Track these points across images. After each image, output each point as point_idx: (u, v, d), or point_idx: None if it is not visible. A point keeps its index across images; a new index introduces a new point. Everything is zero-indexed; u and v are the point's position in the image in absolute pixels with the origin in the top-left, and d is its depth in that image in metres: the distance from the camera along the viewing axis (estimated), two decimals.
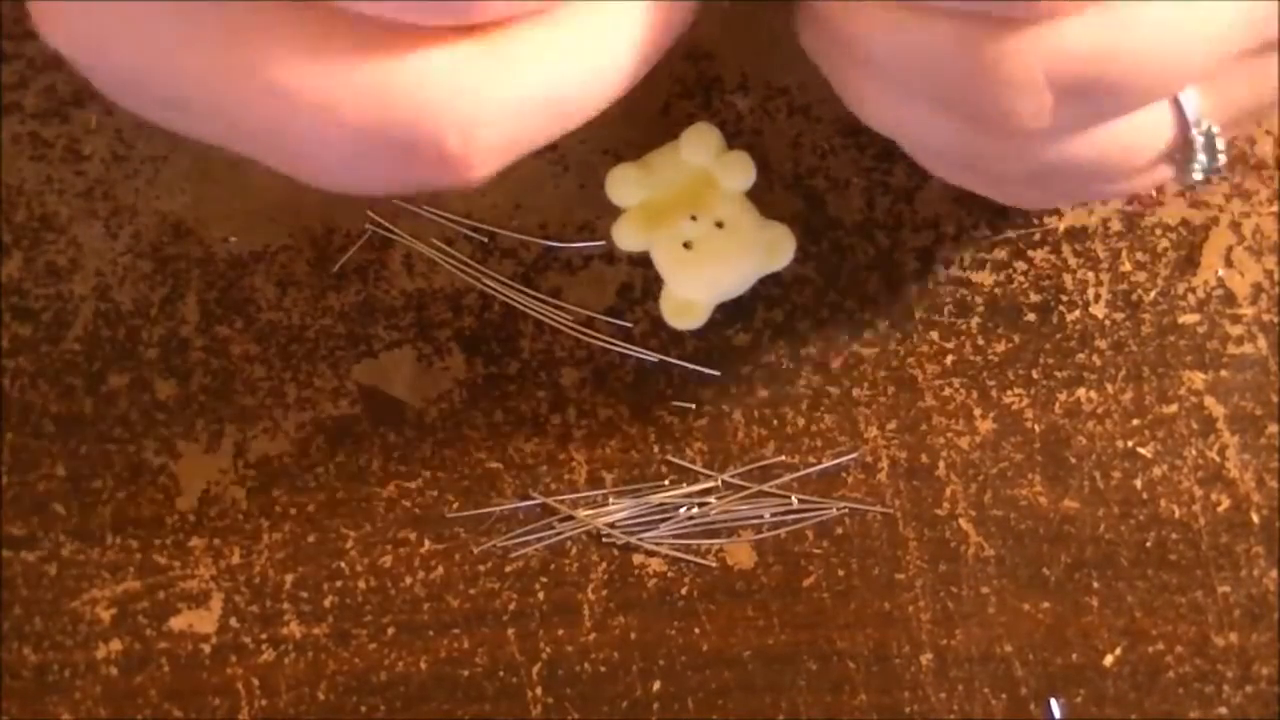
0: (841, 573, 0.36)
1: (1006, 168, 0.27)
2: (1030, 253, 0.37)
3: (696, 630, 0.37)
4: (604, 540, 0.37)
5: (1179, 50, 0.24)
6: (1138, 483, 0.36)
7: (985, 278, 0.37)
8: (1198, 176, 0.27)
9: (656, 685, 0.36)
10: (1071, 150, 0.26)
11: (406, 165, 0.23)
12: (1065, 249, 0.37)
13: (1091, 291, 0.37)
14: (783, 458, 0.37)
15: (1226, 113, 0.27)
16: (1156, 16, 0.23)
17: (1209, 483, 0.36)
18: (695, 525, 0.37)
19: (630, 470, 0.37)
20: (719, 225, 0.36)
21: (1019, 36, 0.23)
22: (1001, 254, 0.37)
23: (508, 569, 0.37)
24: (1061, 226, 0.37)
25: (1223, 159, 0.27)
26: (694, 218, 0.35)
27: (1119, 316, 0.37)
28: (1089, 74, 0.24)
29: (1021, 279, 0.37)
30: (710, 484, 0.37)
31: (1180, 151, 0.27)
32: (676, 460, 0.37)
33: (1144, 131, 0.26)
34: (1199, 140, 0.26)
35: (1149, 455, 0.37)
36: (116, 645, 0.37)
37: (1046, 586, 0.36)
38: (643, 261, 0.37)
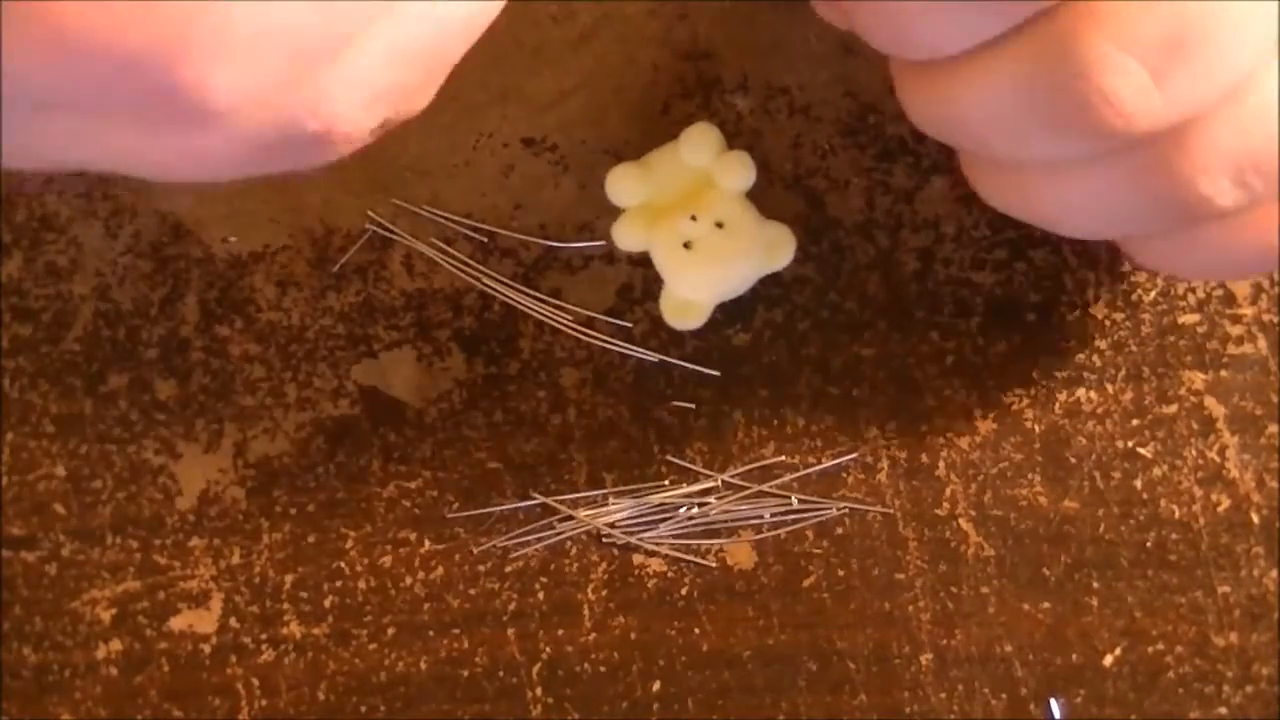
0: (841, 573, 0.36)
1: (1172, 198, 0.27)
2: (1030, 253, 0.37)
3: (696, 630, 0.37)
4: (604, 540, 0.37)
5: None
6: (1138, 483, 0.36)
7: (985, 278, 0.37)
8: None
9: (656, 685, 0.36)
10: (1221, 135, 0.25)
11: (144, 98, 0.21)
12: (1065, 249, 0.37)
13: (1091, 291, 0.37)
14: (783, 458, 0.37)
15: None
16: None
17: (1209, 483, 0.36)
18: (695, 525, 0.37)
19: (630, 470, 0.37)
20: (719, 225, 0.36)
21: (1080, 20, 0.24)
22: (1001, 254, 0.37)
23: (508, 569, 0.37)
24: None
25: None
26: (694, 218, 0.35)
27: (1119, 316, 0.37)
28: (1165, 29, 0.24)
29: (1021, 279, 0.37)
30: (710, 484, 0.37)
31: None
32: (676, 460, 0.37)
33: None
34: None
35: (1149, 455, 0.37)
36: (116, 645, 0.37)
37: (1046, 586, 0.36)
38: (643, 261, 0.37)
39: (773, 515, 0.37)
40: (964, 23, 0.25)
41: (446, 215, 0.38)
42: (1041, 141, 0.26)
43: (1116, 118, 0.24)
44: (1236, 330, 0.37)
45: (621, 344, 0.37)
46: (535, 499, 0.37)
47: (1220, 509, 0.36)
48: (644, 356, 0.37)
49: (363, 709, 0.37)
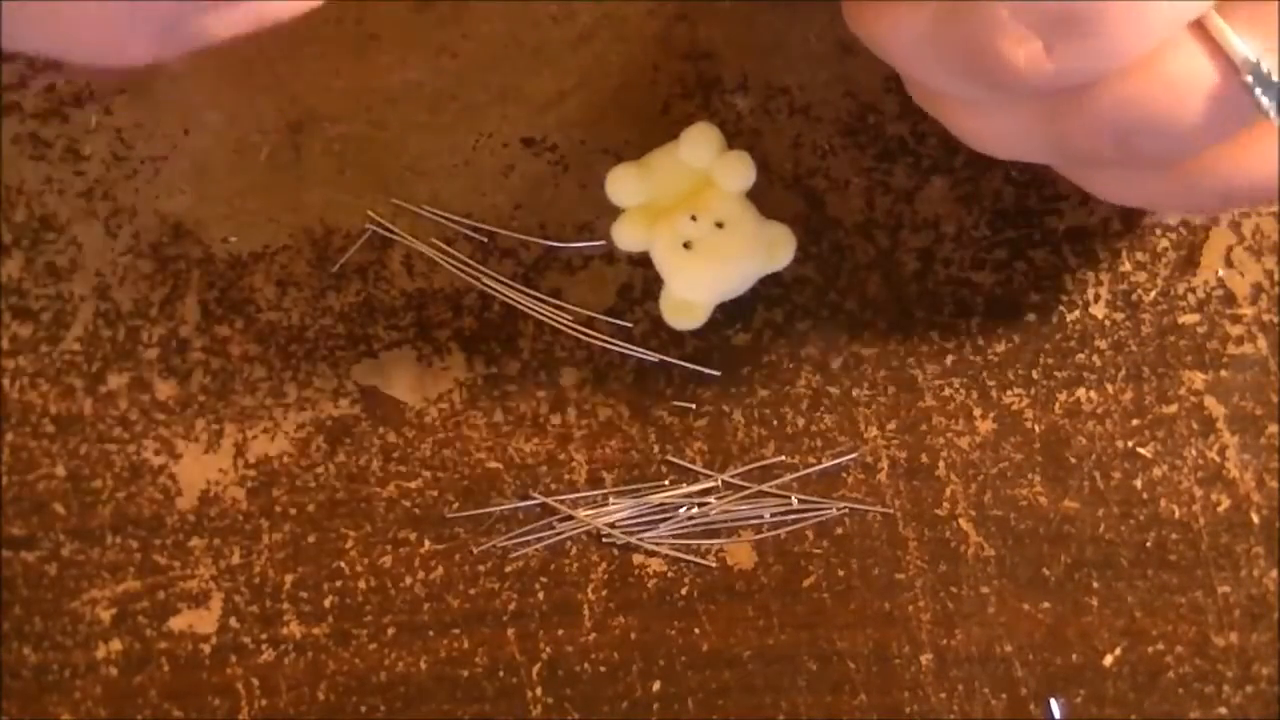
0: (841, 573, 0.36)
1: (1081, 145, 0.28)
2: (1030, 253, 0.37)
3: (696, 630, 0.37)
4: (604, 540, 0.37)
5: None
6: (1138, 483, 0.36)
7: (985, 278, 0.37)
8: (1273, 116, 0.27)
9: (656, 685, 0.36)
10: (1104, 103, 0.26)
11: None
12: (1065, 249, 0.37)
13: (1091, 291, 0.37)
14: (783, 458, 0.37)
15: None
16: None
17: (1209, 483, 0.36)
18: (695, 525, 0.37)
19: (630, 470, 0.37)
20: (719, 225, 0.36)
21: None
22: (1001, 254, 0.37)
23: (508, 569, 0.37)
24: (1061, 226, 0.37)
25: None
26: (694, 218, 0.35)
27: (1119, 316, 0.37)
28: (1066, 10, 0.25)
29: (1021, 279, 0.37)
30: (710, 484, 0.37)
31: (1237, 96, 0.26)
32: (676, 460, 0.37)
33: (1186, 74, 0.26)
34: (1250, 80, 0.26)
35: (1149, 455, 0.37)
36: (116, 645, 0.37)
37: (1046, 586, 0.36)
38: (643, 261, 0.37)
39: (773, 515, 0.37)
40: None
41: (446, 215, 0.38)
42: (953, 83, 0.28)
43: (1011, 76, 0.26)
44: (1236, 330, 0.37)
45: (621, 344, 0.37)
46: (535, 499, 0.37)
47: (1220, 509, 0.36)
48: (644, 356, 0.37)
49: (363, 709, 0.37)
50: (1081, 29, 0.25)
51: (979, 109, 0.29)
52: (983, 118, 0.29)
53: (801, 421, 0.37)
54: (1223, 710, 0.36)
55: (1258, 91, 0.26)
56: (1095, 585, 0.36)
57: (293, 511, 0.37)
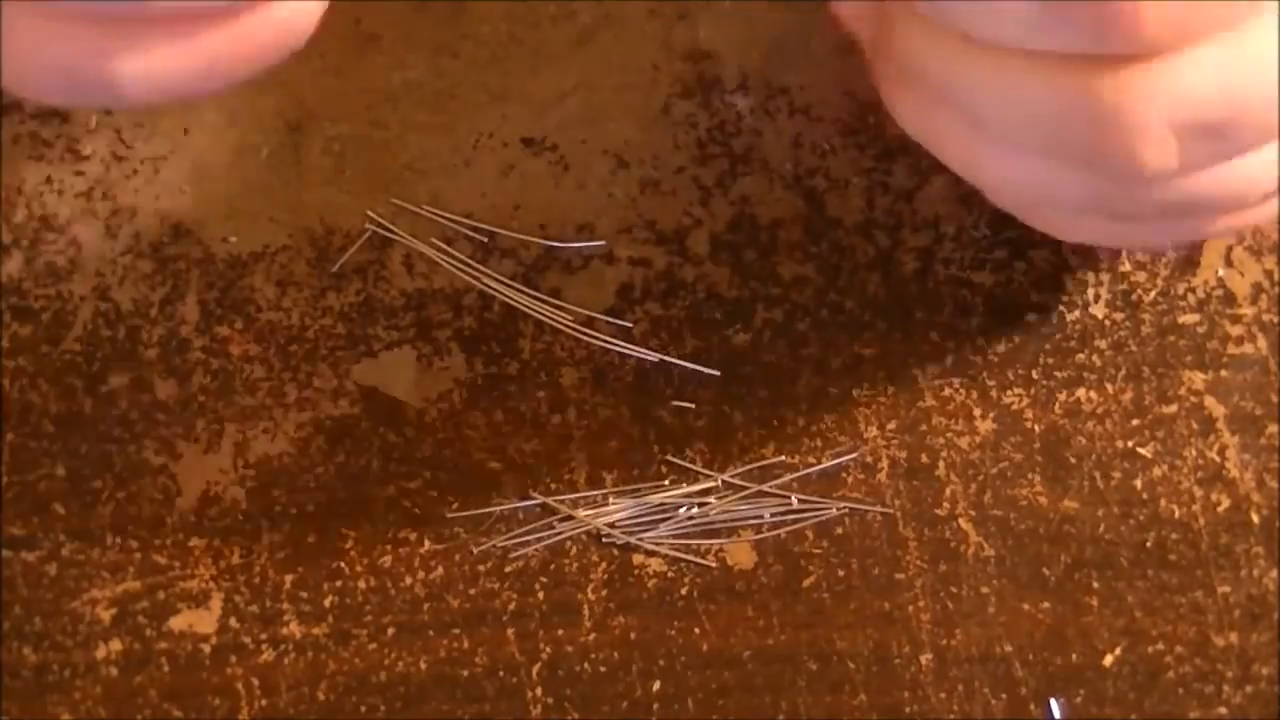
0: (841, 573, 0.36)
1: (1130, 209, 0.27)
2: (1030, 253, 0.37)
3: (696, 630, 0.37)
4: (604, 540, 0.37)
5: None
6: (1138, 483, 0.36)
7: (985, 278, 0.37)
8: None
9: (656, 685, 0.36)
10: (1196, 188, 0.26)
11: None
12: (1065, 249, 0.37)
13: (1091, 291, 0.37)
14: (783, 458, 0.37)
15: None
16: (1273, 52, 0.23)
17: (1209, 483, 0.36)
18: (695, 525, 0.37)
19: (630, 470, 0.37)
20: None
21: (1138, 80, 0.23)
22: (1001, 254, 0.37)
23: (508, 569, 0.37)
24: None
25: None
26: None
27: (1119, 316, 0.37)
28: (1213, 115, 0.24)
29: (1021, 279, 0.37)
30: (710, 484, 0.37)
31: None
32: (676, 460, 0.37)
33: (1266, 163, 0.26)
34: None
35: (1149, 455, 0.37)
36: (116, 645, 0.37)
37: (1046, 586, 0.36)
38: (642, 261, 0.37)
39: (773, 515, 0.37)
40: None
41: (446, 215, 0.38)
42: (1047, 160, 0.26)
43: (1136, 171, 0.25)
44: (1236, 330, 0.37)
45: (621, 344, 0.37)
46: (535, 499, 0.37)
47: (1220, 509, 0.36)
48: (644, 356, 0.37)
49: (363, 709, 0.37)
50: (1223, 135, 0.24)
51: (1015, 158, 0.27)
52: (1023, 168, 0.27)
53: (801, 421, 0.37)
54: (1223, 710, 0.36)
55: None
56: (1095, 585, 0.36)
57: (293, 511, 0.37)
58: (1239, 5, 0.23)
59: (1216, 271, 0.37)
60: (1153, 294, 0.37)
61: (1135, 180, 0.25)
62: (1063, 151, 0.25)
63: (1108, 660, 0.36)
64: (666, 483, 0.37)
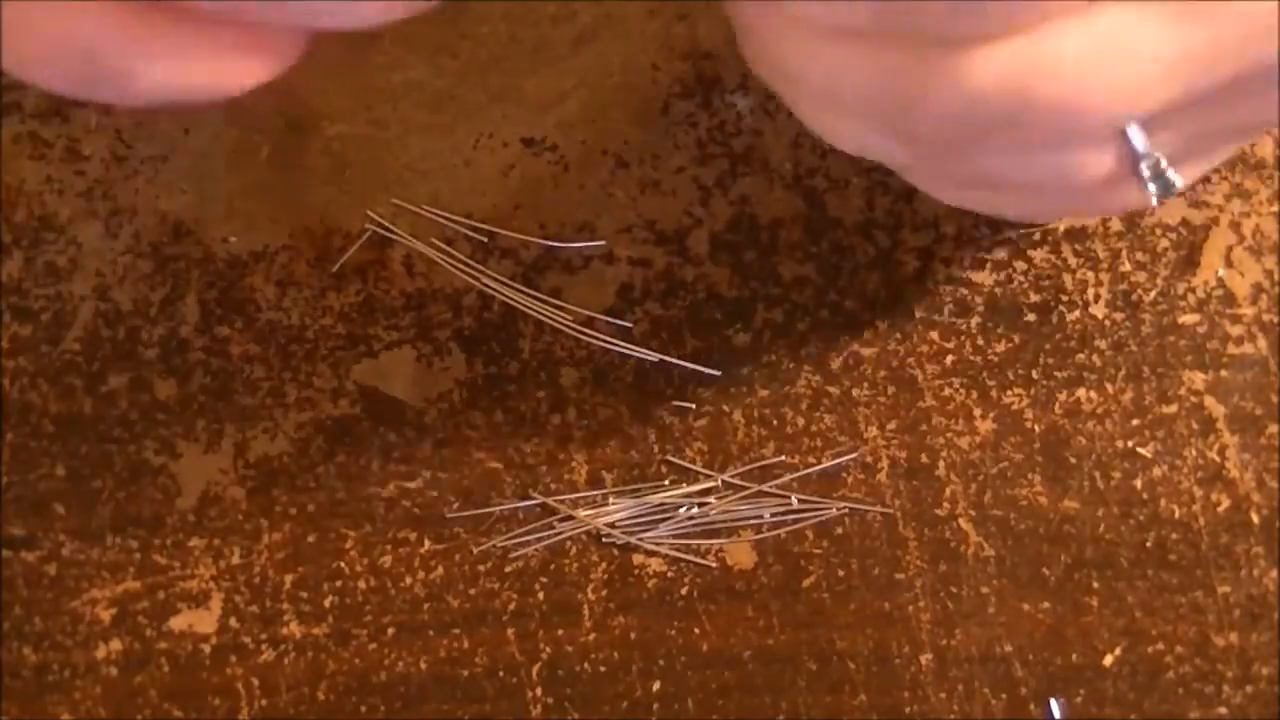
0: (841, 573, 0.36)
1: (956, 175, 0.27)
2: (1030, 253, 0.37)
3: (696, 630, 0.37)
4: (604, 540, 0.37)
5: (1104, 86, 0.23)
6: (1138, 483, 0.36)
7: (985, 278, 0.37)
8: (1153, 202, 0.27)
9: (656, 685, 0.36)
10: (1009, 171, 0.26)
11: None
12: (1065, 249, 0.37)
13: (1091, 291, 0.37)
14: (783, 458, 0.37)
15: (1188, 145, 0.26)
16: (1076, 52, 0.23)
17: (1209, 483, 0.36)
18: (695, 525, 0.37)
19: (630, 470, 0.37)
20: None
21: (943, 65, 0.23)
22: (1001, 254, 0.37)
23: (508, 569, 0.37)
24: (1061, 227, 0.37)
25: (1178, 186, 0.26)
26: None
27: (1119, 316, 0.37)
28: (1008, 107, 0.23)
29: (1021, 279, 0.37)
30: (710, 484, 0.37)
31: (1130, 178, 0.26)
32: (676, 460, 0.37)
33: (1082, 162, 0.26)
34: (1146, 173, 0.26)
35: (1149, 455, 0.37)
36: (116, 645, 0.37)
37: (1046, 586, 0.36)
38: (643, 262, 0.37)
39: (773, 515, 0.37)
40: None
41: (446, 215, 0.38)
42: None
43: None
44: (1236, 330, 0.37)
45: (621, 344, 0.37)
46: (535, 499, 0.37)
47: (1220, 509, 0.36)
48: (644, 356, 0.37)
49: (363, 709, 0.37)
50: (1022, 125, 0.24)
51: (824, 47, 0.26)
52: (832, 69, 0.26)
53: (801, 421, 0.37)
54: (1223, 710, 0.36)
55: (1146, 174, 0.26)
56: (1095, 585, 0.36)
57: (293, 511, 0.37)
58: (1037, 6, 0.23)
59: (1217, 271, 0.37)
60: (1153, 294, 0.37)
61: (945, 154, 0.25)
62: (882, 124, 0.25)
63: (1108, 660, 0.36)
64: (666, 483, 0.37)
